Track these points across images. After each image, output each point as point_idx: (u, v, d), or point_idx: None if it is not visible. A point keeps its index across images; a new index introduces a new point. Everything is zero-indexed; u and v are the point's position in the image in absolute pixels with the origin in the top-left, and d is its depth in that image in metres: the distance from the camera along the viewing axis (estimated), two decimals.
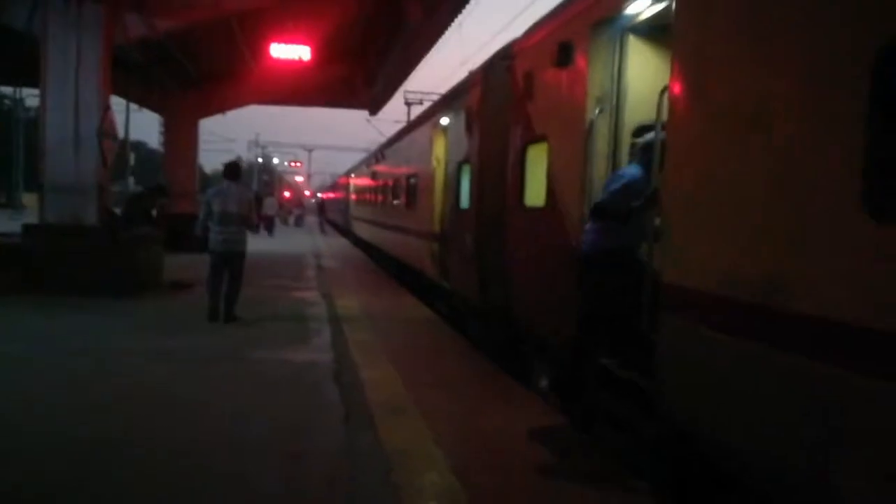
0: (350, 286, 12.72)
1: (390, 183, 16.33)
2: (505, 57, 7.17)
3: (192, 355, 6.58)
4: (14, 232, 11.15)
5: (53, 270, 9.67)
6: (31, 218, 11.47)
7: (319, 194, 72.37)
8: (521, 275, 6.54)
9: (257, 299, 10.52)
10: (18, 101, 38.25)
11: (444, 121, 10.32)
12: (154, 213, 11.16)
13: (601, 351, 4.81)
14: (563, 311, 5.39)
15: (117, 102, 21.78)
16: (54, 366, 6.08)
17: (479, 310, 8.16)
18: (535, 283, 6.09)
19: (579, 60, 5.23)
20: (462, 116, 8.85)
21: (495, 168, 7.73)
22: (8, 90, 43.12)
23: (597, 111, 4.98)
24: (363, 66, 18.93)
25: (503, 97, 7.42)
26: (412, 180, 13.29)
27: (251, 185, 60.86)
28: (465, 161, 8.69)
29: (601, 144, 4.99)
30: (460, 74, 12.75)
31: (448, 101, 10.16)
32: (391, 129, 42.89)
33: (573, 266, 5.11)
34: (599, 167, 5.00)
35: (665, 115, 4.02)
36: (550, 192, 5.68)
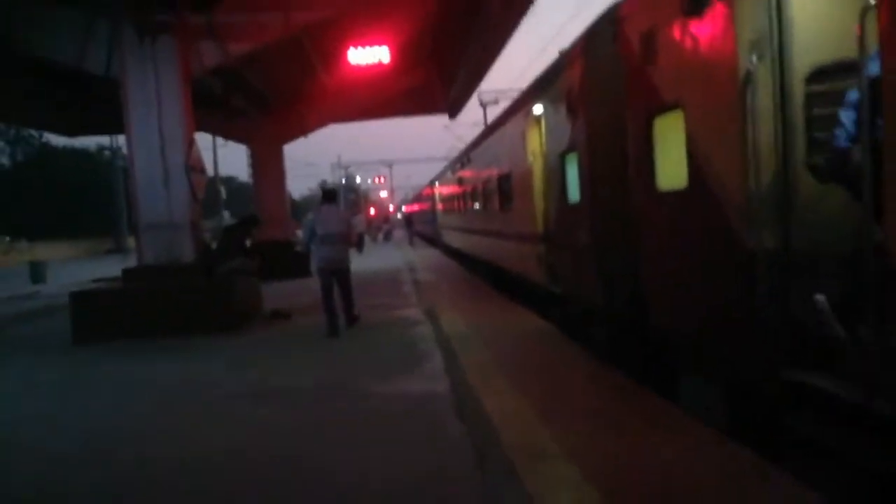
0: (450, 299, 11.99)
1: (480, 186, 15.54)
2: (610, 22, 6.21)
3: (301, 395, 5.99)
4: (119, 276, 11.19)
5: (154, 312, 9.48)
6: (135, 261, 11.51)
7: (404, 207, 72.81)
8: (658, 274, 5.53)
9: (360, 322, 9.98)
10: (116, 150, 40.49)
11: (538, 109, 9.41)
12: (248, 243, 10.86)
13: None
14: (722, 321, 4.37)
15: (204, 139, 22.46)
16: (158, 414, 5.64)
17: (604, 316, 7.19)
18: (680, 284, 5.08)
19: (719, 1, 4.22)
20: (561, 100, 7.92)
21: (609, 152, 6.75)
22: (105, 140, 45.75)
23: (753, 58, 3.96)
24: (440, 68, 18.32)
25: (611, 70, 6.44)
26: (505, 180, 12.44)
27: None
28: (570, 150, 7.75)
29: (764, 99, 3.96)
30: (535, 67, 11.90)
31: (540, 87, 9.25)
32: (470, 133, 42.16)
33: (737, 263, 4.10)
34: (763, 128, 3.96)
35: (874, 45, 2.98)
36: (694, 169, 4.67)
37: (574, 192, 7.77)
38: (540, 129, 9.69)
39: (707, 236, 4.55)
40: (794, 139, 3.91)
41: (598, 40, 6.79)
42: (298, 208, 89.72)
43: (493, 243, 14.25)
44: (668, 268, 5.31)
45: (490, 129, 14.10)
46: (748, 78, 3.99)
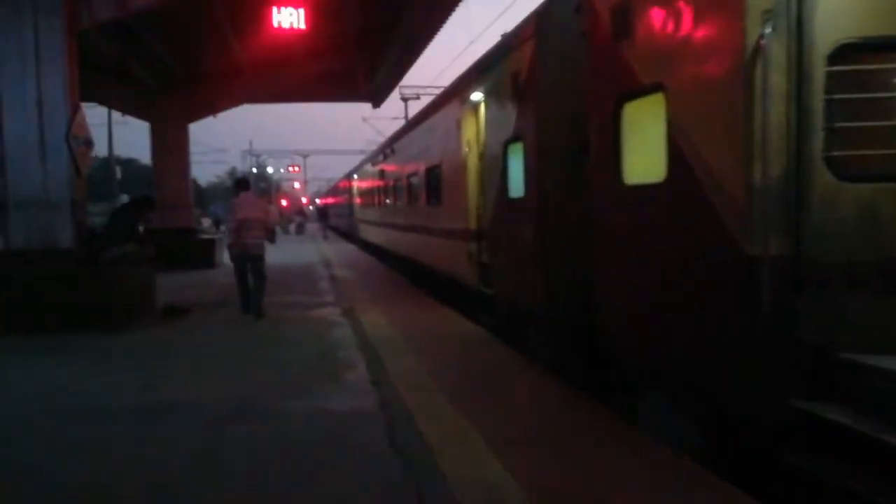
0: (371, 298, 11.07)
1: (404, 179, 14.68)
2: None
3: (197, 413, 4.92)
4: None
5: (20, 305, 8.03)
6: None
7: (318, 200, 70.75)
8: (620, 282, 4.88)
9: (271, 322, 8.91)
10: None
11: (476, 96, 8.67)
12: (141, 228, 9.50)
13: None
14: (708, 341, 3.75)
15: (100, 114, 20.30)
16: (11, 438, 4.45)
17: (545, 322, 6.53)
18: (649, 295, 4.43)
19: None
20: (506, 84, 7.20)
21: (563, 142, 6.09)
22: None
23: (766, 30, 3.33)
24: (365, 53, 17.28)
25: (570, 49, 5.77)
26: (434, 172, 11.64)
27: None
28: (515, 139, 7.04)
29: (776, 79, 3.34)
30: (456, 67, 11.16)
31: (480, 72, 8.51)
32: (390, 127, 41.34)
33: (734, 272, 3.49)
34: (774, 113, 3.35)
35: None
36: (676, 160, 4.03)
37: (517, 186, 7.07)
38: (477, 117, 8.95)
39: (691, 238, 3.92)
40: (811, 127, 3.32)
41: (554, 15, 6.11)
42: (205, 195, 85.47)
43: (417, 239, 13.42)
44: (633, 274, 4.66)
45: (418, 119, 13.27)
46: (757, 53, 3.36)
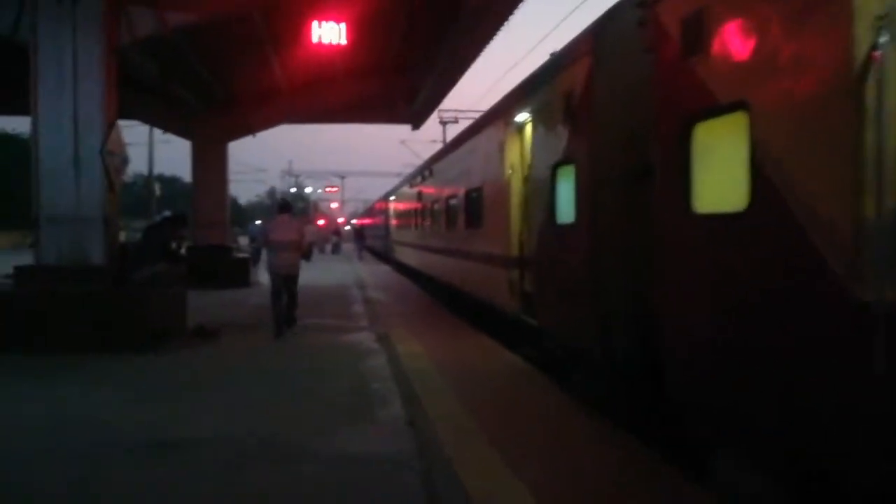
0: (406, 324, 10.65)
1: (442, 201, 14.31)
2: (636, 6, 5.09)
3: (213, 453, 4.52)
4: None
5: (49, 322, 7.82)
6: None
7: (354, 220, 71.07)
8: (689, 323, 4.36)
9: (300, 347, 8.56)
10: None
11: (522, 116, 8.27)
12: (174, 245, 9.27)
13: None
14: (804, 400, 3.21)
15: (141, 133, 20.46)
16: (22, 471, 4.11)
17: (596, 359, 6.01)
18: (725, 339, 3.90)
19: None
20: (556, 104, 6.77)
21: (619, 165, 5.63)
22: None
23: (880, 39, 2.85)
24: (405, 75, 17.09)
25: (631, 66, 5.34)
26: (474, 196, 11.24)
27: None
28: (565, 162, 6.59)
29: (894, 95, 2.84)
30: (495, 92, 10.82)
31: (527, 92, 8.11)
32: (427, 150, 41.30)
33: (838, 319, 2.97)
34: (892, 134, 2.84)
35: None
36: (760, 186, 3.53)
37: (567, 212, 6.60)
38: (522, 139, 8.54)
39: (781, 277, 3.40)
40: None
41: (613, 31, 5.68)
42: (244, 214, 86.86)
43: (454, 264, 12.99)
44: (705, 315, 4.14)
45: (458, 141, 12.92)
46: (869, 67, 2.87)
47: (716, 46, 3.98)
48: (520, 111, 8.30)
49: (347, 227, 68.45)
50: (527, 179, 8.39)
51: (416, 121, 19.82)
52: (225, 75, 14.83)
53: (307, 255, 9.57)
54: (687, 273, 4.36)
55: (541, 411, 5.60)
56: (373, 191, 72.60)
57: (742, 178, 3.70)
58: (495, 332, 9.96)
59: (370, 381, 6.63)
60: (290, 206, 10.67)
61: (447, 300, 14.51)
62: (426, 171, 17.28)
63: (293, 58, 12.97)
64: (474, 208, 11.34)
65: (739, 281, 3.75)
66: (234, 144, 17.91)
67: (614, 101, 5.70)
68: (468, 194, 11.69)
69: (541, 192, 7.41)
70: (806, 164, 3.24)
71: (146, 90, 15.01)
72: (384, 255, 33.33)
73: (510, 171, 8.84)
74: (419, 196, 18.30)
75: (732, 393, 3.84)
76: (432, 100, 17.78)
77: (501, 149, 9.18)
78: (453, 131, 33.94)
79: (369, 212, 51.28)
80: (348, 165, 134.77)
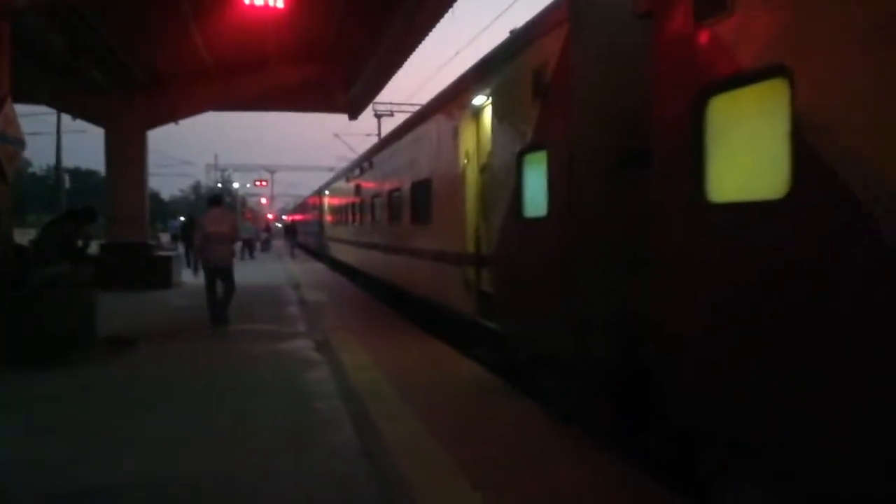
0: (349, 327, 9.76)
1: (384, 195, 13.42)
2: None
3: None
4: None
5: None
6: None
7: (285, 217, 68.98)
8: (698, 326, 3.71)
9: (231, 357, 7.57)
10: None
11: (479, 99, 7.54)
12: (80, 243, 8.04)
13: None
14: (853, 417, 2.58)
15: (48, 121, 18.51)
16: None
17: (569, 366, 5.34)
18: (754, 347, 3.26)
19: None
20: (522, 83, 6.06)
21: (601, 150, 4.99)
22: None
23: None
24: (341, 63, 16.09)
25: (618, 33, 4.71)
26: (421, 188, 10.45)
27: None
28: (535, 148, 5.89)
29: None
30: (437, 82, 10.07)
31: (486, 71, 7.37)
32: (362, 144, 40.05)
33: None
34: None
35: None
36: (808, 167, 2.90)
37: (536, 204, 5.91)
38: (479, 124, 7.82)
39: (838, 276, 2.77)
40: None
41: None
42: (166, 209, 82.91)
43: (398, 261, 12.15)
44: (724, 319, 3.50)
45: (403, 129, 12.07)
46: None
47: (743, 3, 3.34)
48: (477, 93, 7.55)
49: (278, 224, 66.30)
50: (485, 169, 7.67)
51: (354, 110, 18.80)
52: (142, 53, 13.42)
53: (250, 251, 9.21)
54: (698, 271, 3.71)
55: (515, 431, 4.87)
56: (304, 186, 70.65)
57: (780, 158, 3.07)
58: (445, 335, 9.23)
59: (313, 399, 5.75)
60: (221, 199, 10.96)
61: (389, 300, 13.68)
62: (365, 163, 16.34)
63: (221, 30, 11.78)
64: (422, 202, 10.54)
65: (777, 280, 3.11)
66: (155, 134, 16.46)
67: (596, 75, 5.04)
68: (414, 187, 10.88)
69: (502, 183, 6.70)
70: (879, 140, 2.61)
71: (53, 69, 13.45)
72: (317, 253, 32.05)
73: (465, 161, 8.09)
74: (357, 190, 17.33)
75: (764, 415, 3.20)
76: (371, 88, 16.85)
77: (454, 136, 8.42)
78: (388, 125, 32.96)
79: (301, 207, 49.61)
80: (278, 159, 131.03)
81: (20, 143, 7.53)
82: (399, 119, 32.31)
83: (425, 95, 18.85)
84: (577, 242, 5.13)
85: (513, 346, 6.75)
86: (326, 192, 27.45)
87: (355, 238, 17.93)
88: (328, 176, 34.96)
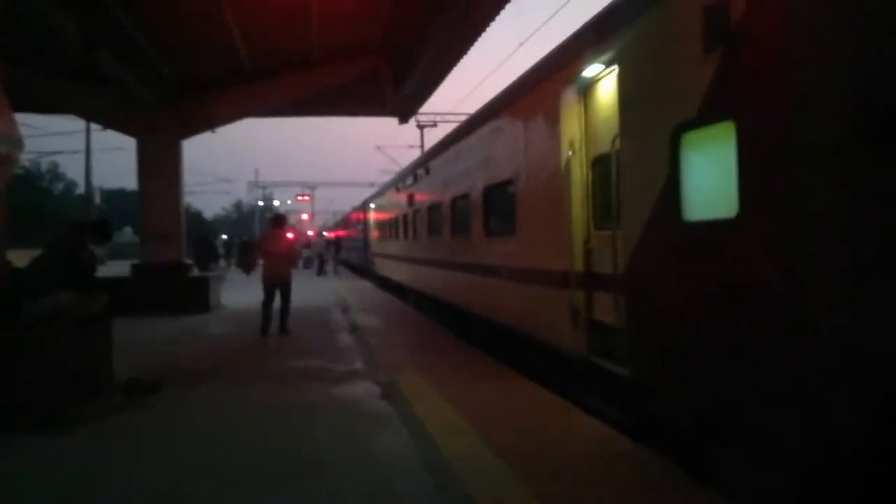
0: (414, 362, 8.02)
1: (447, 204, 11.68)
2: None
3: None
4: None
5: None
6: None
7: (325, 233, 68.18)
8: None
9: (278, 412, 5.89)
10: None
11: (594, 69, 5.75)
12: (85, 263, 6.40)
13: None
14: None
15: (81, 125, 17.35)
16: None
17: (799, 452, 3.46)
18: None
19: None
20: (680, 33, 4.25)
21: (839, 122, 3.16)
22: None
23: None
24: (392, 58, 14.50)
25: None
26: (500, 192, 8.70)
27: (253, 226, 57.12)
28: (706, 120, 4.07)
29: None
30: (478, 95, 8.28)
31: (604, 30, 5.56)
32: (405, 156, 38.31)
33: None
34: None
35: None
36: None
37: (709, 200, 4.08)
38: (590, 103, 6.06)
39: None
40: None
41: None
42: (208, 228, 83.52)
43: (464, 280, 10.37)
44: None
45: (470, 126, 10.31)
46: None
47: None
48: (589, 62, 5.76)
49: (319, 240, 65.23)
50: (599, 162, 5.89)
51: (405, 113, 17.17)
52: (174, 51, 12.03)
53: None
54: None
55: None
56: (343, 202, 69.74)
57: None
58: (531, 369, 7.45)
59: (393, 484, 3.98)
60: (282, 221, 11.58)
61: (447, 320, 11.94)
62: (419, 170, 14.65)
63: (260, 21, 10.29)
64: (500, 209, 8.78)
65: None
66: (195, 151, 15.12)
67: (828, 10, 3.22)
68: (489, 192, 9.12)
69: (640, 177, 4.89)
70: None
71: (77, 75, 12.23)
72: (362, 269, 30.55)
73: (569, 153, 6.29)
74: (410, 200, 15.65)
75: None
76: (424, 87, 15.17)
77: (551, 122, 6.62)
78: (431, 138, 31.07)
79: (343, 223, 48.39)
80: (317, 176, 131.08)
81: (14, 142, 6.00)
82: (443, 130, 30.61)
83: (471, 105, 17.05)
84: (811, 254, 3.28)
85: (661, 406, 4.89)
86: (372, 206, 25.93)
87: (408, 254, 16.23)
88: (368, 192, 33.47)
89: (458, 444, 4.73)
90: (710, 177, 4.15)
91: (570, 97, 6.30)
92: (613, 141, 5.36)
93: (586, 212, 6.23)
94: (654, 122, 4.67)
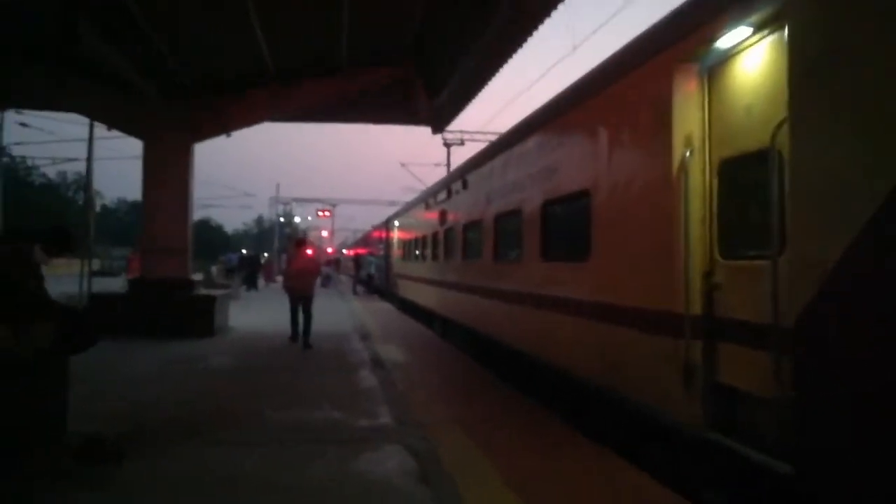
0: (459, 418, 6.34)
1: (489, 222, 10.04)
2: None
3: None
4: None
5: None
6: None
7: (345, 251, 66.88)
8: None
9: (276, 494, 4.22)
10: None
11: (726, 40, 4.14)
12: (22, 282, 4.80)
13: None
14: None
15: (84, 123, 16.04)
16: None
17: None
18: None
19: None
20: None
21: None
22: None
23: None
24: (426, 63, 13.01)
25: None
26: (565, 207, 7.06)
27: (273, 241, 56.05)
28: None
29: None
30: (507, 115, 6.73)
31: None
32: (430, 174, 36.75)
33: None
34: None
35: None
36: None
37: None
38: (719, 88, 4.44)
39: None
40: None
41: None
42: (229, 243, 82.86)
43: (515, 312, 8.65)
44: None
45: (523, 130, 8.67)
46: None
47: None
48: (730, 26, 4.14)
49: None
50: (736, 163, 4.25)
51: (439, 122, 15.66)
52: (185, 44, 10.61)
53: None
54: None
55: None
56: (363, 220, 68.51)
57: None
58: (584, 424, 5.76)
59: None
60: (304, 242, 13.39)
61: (481, 353, 10.28)
62: (455, 184, 13.05)
63: (284, 19, 8.81)
64: (567, 227, 7.14)
65: None
66: (215, 163, 13.82)
67: None
68: (548, 208, 7.47)
69: (834, 177, 3.24)
70: None
71: (82, 70, 10.88)
72: (382, 290, 28.90)
73: (685, 153, 4.64)
74: (443, 218, 14.03)
75: None
76: (461, 96, 13.65)
77: (659, 113, 4.98)
78: (458, 157, 29.27)
79: (363, 241, 46.93)
80: (338, 193, 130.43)
81: None
82: (470, 149, 29.01)
83: (500, 124, 15.54)
84: None
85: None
86: (396, 223, 24.36)
87: (438, 277, 14.56)
88: (390, 210, 31.86)
89: None
90: None
91: (687, 79, 4.68)
92: (775, 132, 3.71)
93: (706, 232, 4.58)
94: (870, 95, 3.02)
